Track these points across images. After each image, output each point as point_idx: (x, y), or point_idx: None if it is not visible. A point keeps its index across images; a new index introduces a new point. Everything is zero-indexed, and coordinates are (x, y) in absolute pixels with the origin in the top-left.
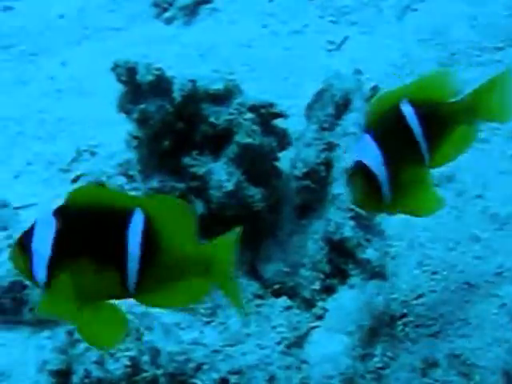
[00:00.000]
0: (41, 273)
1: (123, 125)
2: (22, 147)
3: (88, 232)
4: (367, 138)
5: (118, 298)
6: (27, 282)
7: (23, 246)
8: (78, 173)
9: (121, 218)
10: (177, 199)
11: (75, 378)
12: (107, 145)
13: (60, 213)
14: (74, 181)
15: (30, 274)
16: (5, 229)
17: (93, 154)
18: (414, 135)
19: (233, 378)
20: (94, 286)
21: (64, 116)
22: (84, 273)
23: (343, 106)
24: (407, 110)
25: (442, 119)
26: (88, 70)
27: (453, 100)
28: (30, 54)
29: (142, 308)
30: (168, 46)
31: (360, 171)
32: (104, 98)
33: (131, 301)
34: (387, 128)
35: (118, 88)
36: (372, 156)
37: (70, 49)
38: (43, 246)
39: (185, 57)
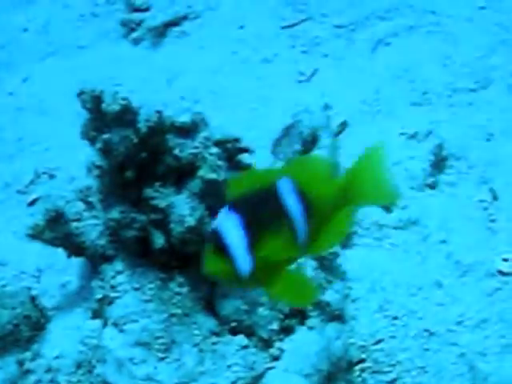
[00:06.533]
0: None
1: (84, 149)
2: None
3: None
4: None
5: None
6: None
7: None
8: (36, 196)
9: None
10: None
11: None
12: (67, 168)
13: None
14: (31, 204)
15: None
16: None
17: (52, 176)
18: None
19: None
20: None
21: (24, 135)
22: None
23: (311, 143)
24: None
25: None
26: (51, 88)
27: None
28: None
29: (94, 340)
30: (134, 68)
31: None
32: (66, 118)
33: (85, 332)
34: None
35: (81, 109)
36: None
37: (32, 65)
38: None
39: (151, 81)
